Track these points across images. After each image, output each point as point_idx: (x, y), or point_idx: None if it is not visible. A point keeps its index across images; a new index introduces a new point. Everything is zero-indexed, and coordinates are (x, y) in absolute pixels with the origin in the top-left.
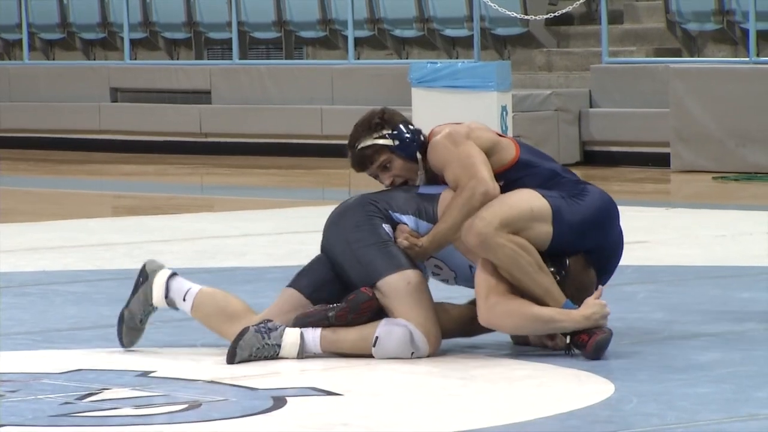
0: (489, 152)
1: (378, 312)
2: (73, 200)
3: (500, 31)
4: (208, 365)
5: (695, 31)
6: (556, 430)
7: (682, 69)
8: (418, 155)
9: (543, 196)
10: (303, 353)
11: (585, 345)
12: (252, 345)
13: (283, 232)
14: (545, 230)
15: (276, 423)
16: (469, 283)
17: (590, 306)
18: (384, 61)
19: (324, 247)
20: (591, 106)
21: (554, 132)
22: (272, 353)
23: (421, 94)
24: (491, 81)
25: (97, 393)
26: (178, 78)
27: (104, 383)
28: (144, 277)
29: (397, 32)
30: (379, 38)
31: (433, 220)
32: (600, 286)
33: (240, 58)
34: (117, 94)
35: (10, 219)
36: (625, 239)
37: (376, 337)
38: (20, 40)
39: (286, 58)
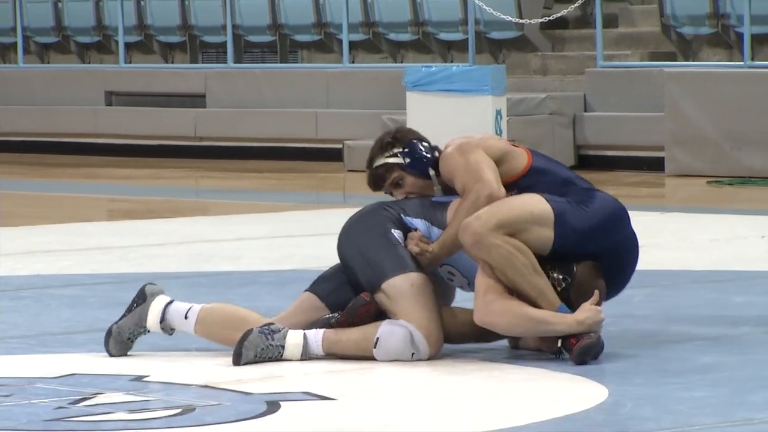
0: (499, 161)
1: (378, 315)
2: (69, 204)
3: (495, 34)
4: (202, 369)
5: (690, 34)
6: None
7: (677, 73)
8: (431, 171)
9: (547, 200)
10: (306, 354)
11: (572, 349)
12: (257, 345)
13: (278, 236)
14: (545, 234)
15: (269, 427)
16: None
17: (585, 311)
18: (379, 64)
19: (338, 251)
20: (586, 110)
21: (549, 136)
22: (276, 354)
23: (415, 98)
24: (486, 85)
25: (91, 397)
26: (173, 81)
27: (98, 388)
28: (142, 299)
29: (392, 36)
30: (374, 42)
31: (443, 226)
32: (597, 291)
33: (235, 62)
34: (112, 98)
35: (5, 222)
36: None
37: (377, 338)
38: (15, 44)
39: (281, 62)
